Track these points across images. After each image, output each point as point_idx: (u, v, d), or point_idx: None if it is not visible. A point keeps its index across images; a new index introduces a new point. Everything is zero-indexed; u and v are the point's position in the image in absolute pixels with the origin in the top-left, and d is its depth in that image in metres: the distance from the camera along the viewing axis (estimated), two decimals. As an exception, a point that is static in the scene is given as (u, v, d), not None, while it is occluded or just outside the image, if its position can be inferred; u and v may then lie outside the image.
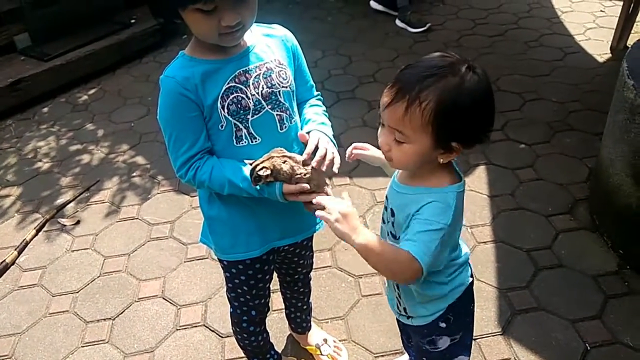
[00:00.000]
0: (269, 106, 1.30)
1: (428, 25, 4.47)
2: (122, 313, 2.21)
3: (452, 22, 4.48)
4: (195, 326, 2.13)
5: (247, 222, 1.40)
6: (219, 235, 1.45)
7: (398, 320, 1.48)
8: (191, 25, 1.18)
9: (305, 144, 1.29)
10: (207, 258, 2.45)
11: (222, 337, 2.07)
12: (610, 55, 3.80)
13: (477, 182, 2.72)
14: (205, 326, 2.12)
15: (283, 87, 1.33)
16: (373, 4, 4.92)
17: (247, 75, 1.27)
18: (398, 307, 1.37)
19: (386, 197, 1.27)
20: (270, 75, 1.30)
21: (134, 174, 3.08)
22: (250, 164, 1.23)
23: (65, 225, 2.72)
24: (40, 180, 3.11)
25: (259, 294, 1.58)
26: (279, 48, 1.37)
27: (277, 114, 1.32)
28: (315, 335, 1.99)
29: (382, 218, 1.31)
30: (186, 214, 2.75)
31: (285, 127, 1.35)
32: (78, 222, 2.74)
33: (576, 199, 2.55)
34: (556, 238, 2.35)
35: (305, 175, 1.23)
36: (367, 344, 1.99)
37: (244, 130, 1.29)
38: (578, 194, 2.58)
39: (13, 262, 2.52)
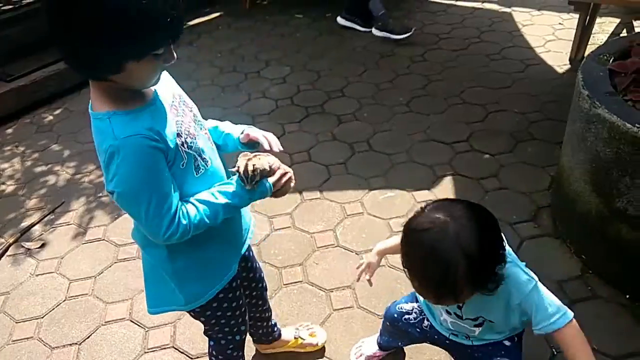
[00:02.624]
0: (199, 127, 1.33)
1: (413, 29, 4.53)
2: (88, 337, 2.16)
3: (417, 37, 4.58)
4: (164, 348, 2.09)
5: (213, 249, 1.38)
6: (192, 282, 1.38)
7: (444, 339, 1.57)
8: (139, 73, 1.10)
9: (250, 142, 1.39)
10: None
11: (191, 357, 2.04)
12: (569, 66, 3.93)
13: (444, 192, 2.77)
14: (175, 348, 2.09)
15: (195, 107, 1.37)
16: (340, 20, 4.99)
17: (175, 106, 1.26)
18: (455, 334, 1.50)
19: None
20: (184, 101, 1.32)
21: (101, 195, 3.03)
22: (237, 171, 1.27)
23: (29, 249, 2.66)
24: (4, 203, 3.03)
25: (242, 312, 1.58)
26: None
27: (204, 133, 1.36)
28: (287, 332, 2.02)
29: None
30: (155, 233, 2.71)
31: (212, 142, 1.39)
32: (43, 245, 2.68)
33: (539, 207, 2.62)
34: (520, 245, 2.41)
35: (274, 162, 1.34)
36: (339, 357, 1.99)
37: (199, 159, 1.28)
38: (541, 202, 2.65)
39: None
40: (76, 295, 2.37)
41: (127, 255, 2.58)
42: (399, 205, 2.70)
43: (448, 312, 1.42)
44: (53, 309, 2.31)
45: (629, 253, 2.07)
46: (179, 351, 2.07)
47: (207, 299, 1.42)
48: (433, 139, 3.23)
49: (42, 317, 2.27)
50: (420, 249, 1.17)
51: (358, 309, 2.17)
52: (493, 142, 3.15)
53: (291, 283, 2.33)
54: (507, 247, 1.28)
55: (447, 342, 1.56)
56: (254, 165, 1.26)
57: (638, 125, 1.85)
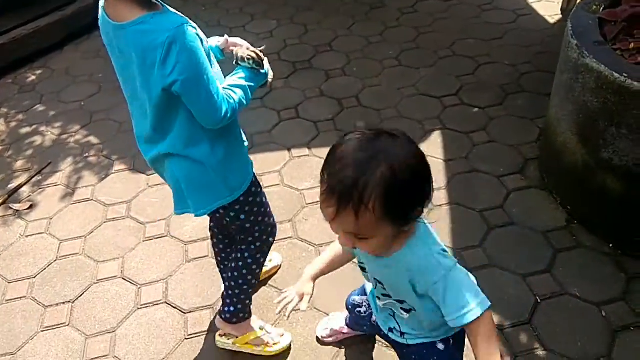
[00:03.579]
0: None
1: None
2: (81, 295, 2.19)
3: (407, -12, 4.45)
4: (157, 304, 2.13)
5: (239, 143, 1.57)
6: (232, 172, 1.53)
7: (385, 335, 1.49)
8: None
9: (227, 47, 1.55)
10: (166, 236, 2.43)
11: (184, 313, 2.08)
12: (560, 16, 3.86)
13: (433, 147, 2.77)
14: (167, 303, 2.12)
15: None
16: (328, -29, 4.83)
17: None
18: (392, 330, 1.41)
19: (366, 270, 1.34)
20: None
21: (88, 155, 3.01)
22: (249, 58, 1.45)
23: (18, 210, 2.65)
24: (-11, 165, 3.01)
25: (269, 212, 1.74)
26: None
27: None
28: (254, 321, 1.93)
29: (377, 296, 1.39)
30: (143, 192, 2.70)
31: None
32: (31, 207, 2.67)
33: (527, 159, 2.63)
34: (507, 197, 2.43)
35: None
36: (330, 310, 2.03)
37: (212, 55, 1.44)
38: (529, 154, 2.66)
39: None
40: (67, 255, 2.38)
41: (117, 214, 2.58)
42: (387, 160, 2.70)
43: (378, 282, 1.29)
44: (45, 269, 2.33)
45: (614, 203, 2.10)
46: (172, 306, 2.11)
47: (246, 187, 1.57)
48: (422, 93, 3.20)
49: (34, 277, 2.29)
50: (344, 148, 1.02)
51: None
52: (483, 95, 3.12)
53: (281, 239, 2.35)
54: (433, 232, 1.18)
55: (387, 339, 1.48)
56: (254, 51, 1.46)
57: (625, 75, 1.84)
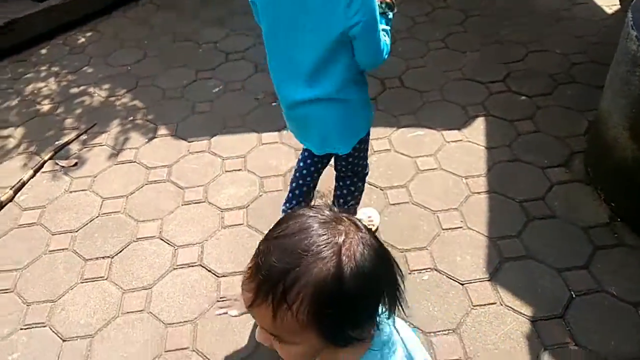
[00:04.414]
0: None
1: None
2: (120, 252, 2.27)
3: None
4: (192, 266, 2.19)
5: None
6: (368, 110, 1.75)
7: None
8: None
9: None
10: (203, 202, 2.48)
11: (218, 276, 2.13)
12: (619, 6, 3.69)
13: (475, 133, 2.71)
14: (202, 266, 2.18)
15: None
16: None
17: None
18: None
19: None
20: None
21: (133, 118, 3.08)
22: (382, 1, 1.55)
23: (64, 167, 2.75)
24: (41, 122, 3.11)
25: None
26: None
27: None
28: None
29: None
30: (183, 158, 2.76)
31: None
32: (76, 164, 2.77)
33: (572, 152, 2.55)
34: (550, 190, 2.37)
35: None
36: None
37: None
38: (575, 147, 2.58)
39: (9, 201, 2.57)
40: (108, 213, 2.46)
41: (157, 178, 2.64)
42: (427, 144, 2.67)
43: None
44: (87, 224, 2.41)
45: (662, 202, 2.03)
46: (206, 269, 2.16)
47: (371, 124, 1.80)
48: (468, 78, 3.13)
49: (77, 231, 2.38)
50: (292, 223, 0.79)
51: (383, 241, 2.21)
52: (531, 83, 3.03)
53: (398, 204, 2.37)
54: (406, 345, 0.90)
55: None
56: None
57: (690, 69, 1.75)
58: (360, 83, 1.66)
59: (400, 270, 0.84)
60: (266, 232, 0.83)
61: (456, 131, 2.72)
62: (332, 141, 1.73)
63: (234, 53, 3.61)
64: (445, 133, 2.71)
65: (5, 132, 3.05)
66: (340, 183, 2.02)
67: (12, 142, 2.98)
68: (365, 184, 2.42)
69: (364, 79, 1.68)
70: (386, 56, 1.54)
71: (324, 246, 0.74)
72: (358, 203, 2.10)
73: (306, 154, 1.92)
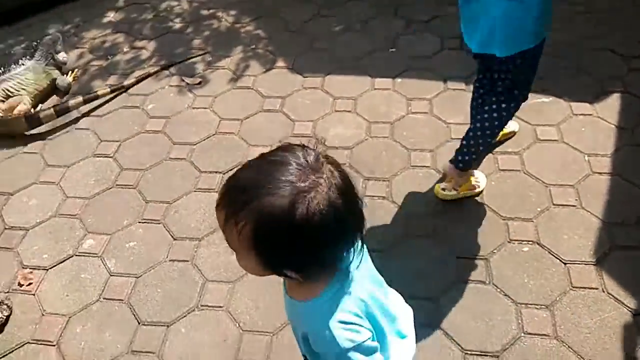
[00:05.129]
0: None
1: None
2: (231, 169, 2.42)
3: None
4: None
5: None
6: (541, 18, 1.72)
7: None
8: None
9: None
10: (311, 136, 2.54)
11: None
12: None
13: (608, 109, 2.49)
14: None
15: None
16: None
17: None
18: None
19: None
20: None
21: (255, 47, 3.18)
22: None
23: (189, 84, 2.94)
24: (172, 38, 3.32)
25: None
26: None
27: None
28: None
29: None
30: (297, 92, 2.83)
31: None
32: (200, 83, 2.94)
33: None
34: (684, 184, 2.16)
35: None
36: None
37: None
38: None
39: (104, 96, 2.86)
40: (224, 132, 2.62)
41: (271, 107, 2.75)
42: (551, 114, 2.51)
43: None
44: (204, 140, 2.59)
45: None
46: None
47: (542, 38, 1.79)
48: (609, 49, 2.85)
49: (195, 145, 2.57)
50: (279, 156, 0.85)
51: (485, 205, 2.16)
52: (683, 64, 2.70)
53: (418, 166, 2.36)
54: (348, 296, 0.91)
55: None
56: None
57: None
58: None
59: (362, 238, 0.89)
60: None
61: (587, 104, 2.51)
62: (493, 41, 1.74)
63: (359, -7, 3.55)
64: (574, 105, 2.52)
65: (139, 44, 3.30)
66: (478, 108, 2.02)
67: (145, 54, 3.22)
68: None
69: None
70: None
71: (286, 185, 0.79)
72: (482, 145, 2.01)
73: (477, 84, 2.09)
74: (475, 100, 2.12)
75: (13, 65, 2.96)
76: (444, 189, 2.17)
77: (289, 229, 0.79)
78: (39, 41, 3.11)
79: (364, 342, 0.89)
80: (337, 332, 0.87)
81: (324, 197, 0.80)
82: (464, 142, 2.01)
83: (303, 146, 0.87)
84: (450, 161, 2.07)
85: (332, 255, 0.87)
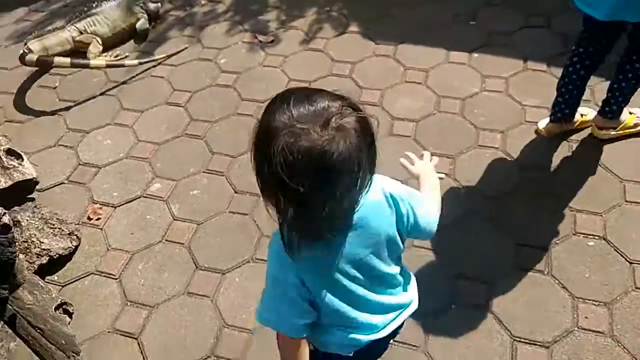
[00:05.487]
0: None
1: None
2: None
3: None
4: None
5: None
6: None
7: None
8: None
9: None
10: (377, 106, 2.52)
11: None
12: None
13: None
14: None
15: None
16: None
17: None
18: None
19: None
20: None
21: (329, 9, 3.14)
22: None
23: (262, 42, 2.95)
24: (248, -5, 3.34)
25: None
26: None
27: None
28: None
29: None
30: (367, 59, 2.79)
31: None
32: (273, 41, 2.95)
33: None
34: None
35: None
36: (512, 229, 1.98)
37: None
38: None
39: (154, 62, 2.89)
40: (292, 93, 2.63)
41: (340, 72, 2.73)
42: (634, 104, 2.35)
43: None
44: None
45: None
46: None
47: None
48: None
49: (262, 102, 2.59)
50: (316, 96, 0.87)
51: (552, 193, 2.08)
52: None
53: (485, 146, 2.29)
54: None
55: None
56: None
57: None
58: None
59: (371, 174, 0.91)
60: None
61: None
62: (625, 6, 1.68)
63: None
64: (664, 98, 2.35)
65: (217, -2, 3.34)
66: (620, 76, 2.00)
67: (221, 8, 3.26)
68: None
69: None
70: None
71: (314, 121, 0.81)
72: (629, 97, 2.07)
73: (575, 59, 2.00)
74: (577, 72, 2.03)
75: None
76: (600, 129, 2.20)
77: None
78: None
79: None
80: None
81: (345, 141, 0.81)
82: (609, 95, 2.07)
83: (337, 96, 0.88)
84: (599, 112, 2.16)
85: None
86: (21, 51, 2.79)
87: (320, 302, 1.00)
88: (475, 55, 2.72)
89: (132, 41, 3.11)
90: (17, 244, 1.67)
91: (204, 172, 2.32)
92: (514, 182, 2.13)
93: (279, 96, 0.88)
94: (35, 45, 2.84)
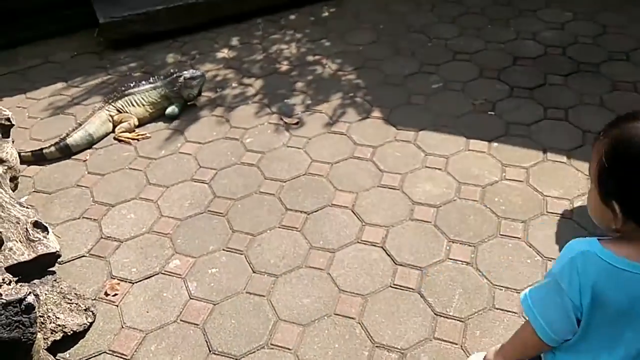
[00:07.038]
0: None
1: None
2: (316, 211, 2.46)
3: None
4: (374, 245, 2.28)
5: None
6: None
7: None
8: None
9: None
10: (398, 190, 2.55)
11: (395, 263, 2.19)
12: None
13: None
14: (383, 249, 2.25)
15: None
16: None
17: None
18: None
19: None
20: None
21: (353, 95, 3.27)
22: None
23: (286, 123, 3.06)
24: (277, 80, 3.51)
25: None
26: None
27: None
28: None
29: None
30: (388, 144, 2.86)
31: None
32: (297, 123, 3.06)
33: None
34: None
35: None
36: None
37: None
38: None
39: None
40: (314, 174, 2.69)
41: (361, 155, 2.79)
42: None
43: None
44: (294, 178, 2.67)
45: None
46: (386, 253, 2.23)
47: None
48: None
49: (285, 182, 2.65)
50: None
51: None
52: None
53: (507, 236, 2.27)
54: None
55: None
56: None
57: None
58: None
59: None
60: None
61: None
62: None
63: (462, 53, 3.57)
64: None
65: (247, 81, 3.51)
66: None
67: (251, 91, 3.42)
68: (574, 224, 2.22)
69: None
70: None
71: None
72: None
73: None
74: None
75: (143, 82, 3.25)
76: None
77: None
78: (177, 70, 3.31)
79: None
80: None
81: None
82: None
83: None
84: None
85: None
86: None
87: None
88: (495, 144, 2.77)
89: (162, 119, 3.25)
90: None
91: (223, 249, 2.33)
92: (537, 277, 2.09)
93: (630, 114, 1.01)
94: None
